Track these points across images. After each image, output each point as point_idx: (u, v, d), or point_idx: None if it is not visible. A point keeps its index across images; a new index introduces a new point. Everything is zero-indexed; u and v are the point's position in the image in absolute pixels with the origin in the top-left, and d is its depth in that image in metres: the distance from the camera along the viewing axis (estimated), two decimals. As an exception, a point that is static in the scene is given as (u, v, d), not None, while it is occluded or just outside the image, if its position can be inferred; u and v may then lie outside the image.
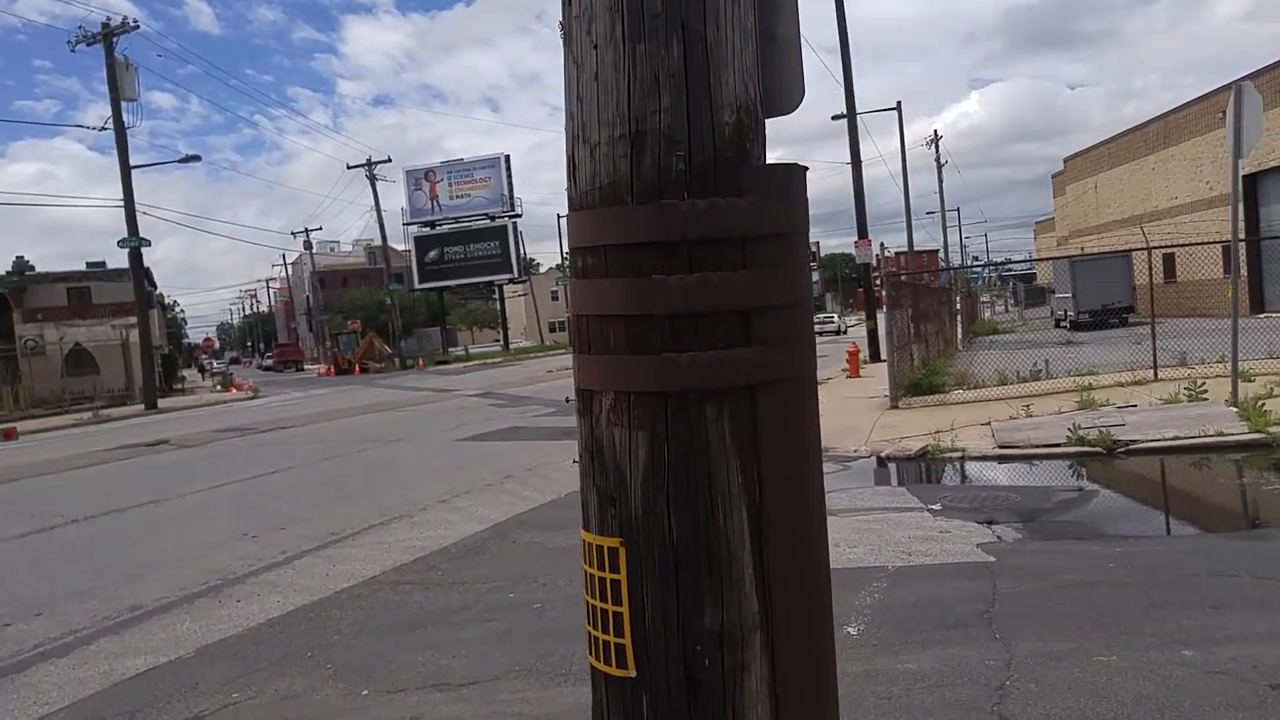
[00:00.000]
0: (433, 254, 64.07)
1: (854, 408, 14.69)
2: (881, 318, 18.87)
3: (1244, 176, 28.94)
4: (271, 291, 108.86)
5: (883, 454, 10.43)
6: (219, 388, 44.71)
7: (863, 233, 28.08)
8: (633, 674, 1.54)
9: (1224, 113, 11.14)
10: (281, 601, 6.35)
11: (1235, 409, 10.21)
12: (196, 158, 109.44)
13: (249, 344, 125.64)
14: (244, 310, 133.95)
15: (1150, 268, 16.65)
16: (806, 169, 1.65)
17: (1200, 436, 9.34)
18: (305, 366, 73.21)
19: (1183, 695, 3.74)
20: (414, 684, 4.61)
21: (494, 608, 5.75)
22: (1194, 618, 4.59)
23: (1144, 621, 4.58)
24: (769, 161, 1.63)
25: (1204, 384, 11.50)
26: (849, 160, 27.82)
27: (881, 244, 65.66)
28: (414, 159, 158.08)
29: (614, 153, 1.50)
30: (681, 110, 1.47)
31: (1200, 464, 8.84)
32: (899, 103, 44.44)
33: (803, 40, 1.90)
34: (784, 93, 1.76)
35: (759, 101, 1.58)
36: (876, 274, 36.30)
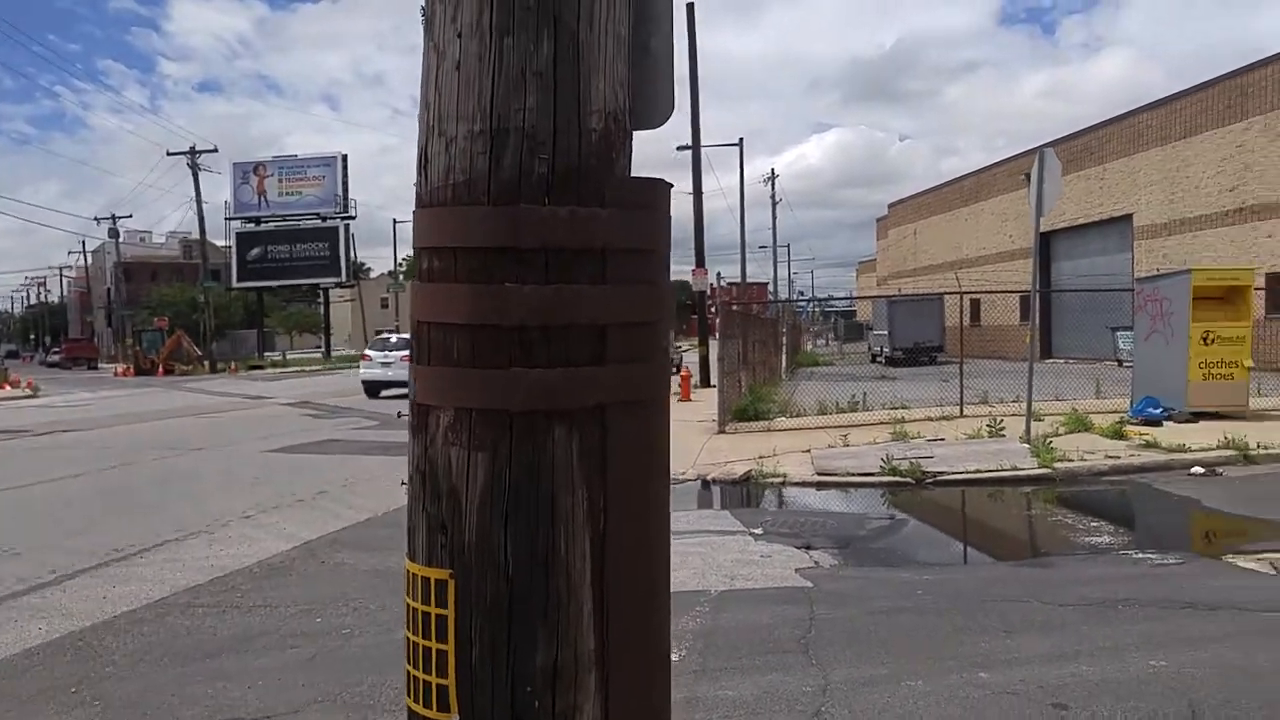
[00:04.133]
0: (255, 252, 60.49)
1: (684, 430, 14.91)
2: (714, 345, 19.34)
3: (1040, 234, 31.79)
4: (65, 281, 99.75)
5: (709, 477, 10.61)
6: (-13, 382, 40.09)
7: (700, 261, 28.75)
8: (455, 718, 1.41)
9: (1027, 175, 12.10)
10: (45, 629, 5.54)
11: (1028, 446, 11.04)
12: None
13: (33, 337, 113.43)
14: (29, 299, 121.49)
15: (961, 311, 17.87)
16: (671, 185, 1.59)
17: (998, 470, 10.03)
18: (100, 365, 67.38)
19: (980, 717, 3.92)
20: None
21: (298, 633, 5.35)
22: (990, 641, 4.85)
23: (947, 646, 4.80)
24: (638, 175, 1.56)
25: (1002, 422, 12.39)
26: (690, 191, 28.52)
27: (718, 274, 67.55)
28: (244, 152, 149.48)
29: (472, 149, 1.39)
30: (548, 111, 1.38)
31: (997, 495, 9.48)
32: (740, 139, 46.03)
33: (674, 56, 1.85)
34: (653, 106, 1.70)
35: (628, 111, 1.51)
36: (711, 302, 37.25)
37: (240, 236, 61.04)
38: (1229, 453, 10.35)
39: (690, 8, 27.14)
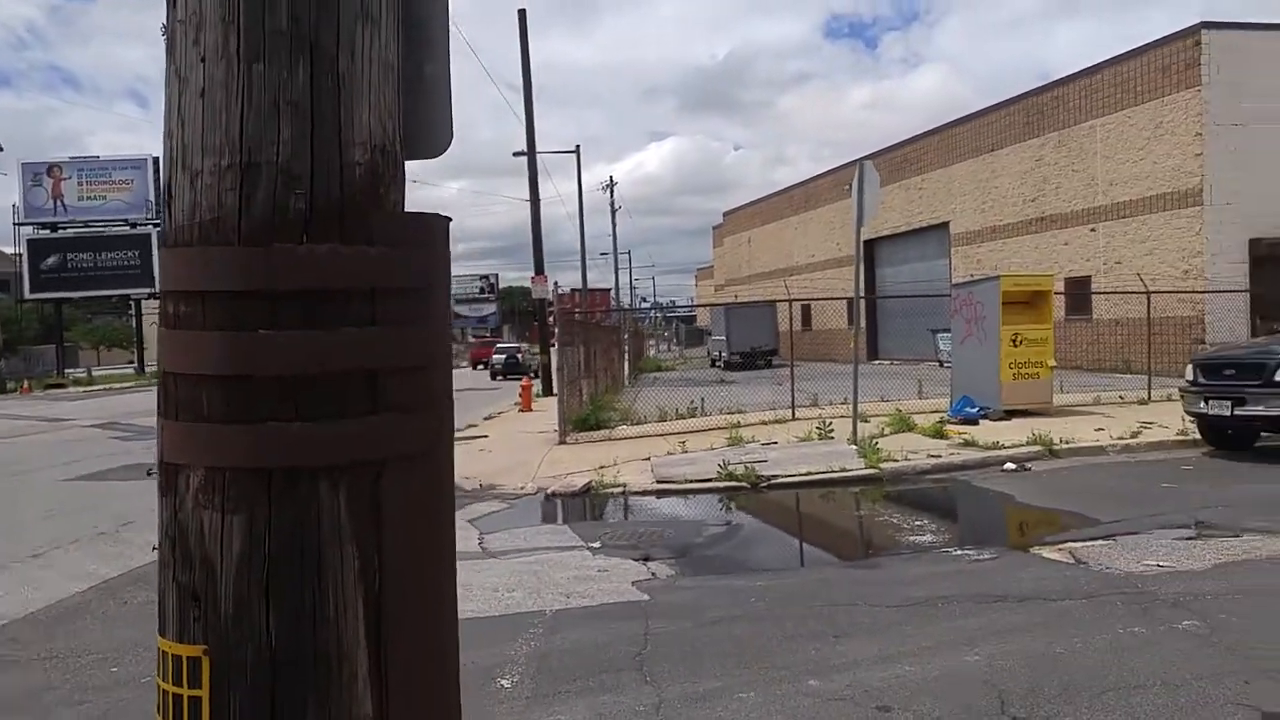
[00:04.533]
0: (52, 260, 55.19)
1: (524, 443, 14.75)
2: (554, 353, 19.25)
3: (864, 242, 33.45)
4: None
5: (549, 490, 10.51)
6: None
7: (539, 269, 28.65)
8: (215, 811, 1.27)
9: (850, 185, 12.65)
10: None
11: (855, 447, 11.52)
12: None
13: None
14: None
15: (790, 318, 18.51)
16: (449, 220, 1.52)
17: (828, 472, 10.40)
18: None
19: (809, 725, 4.01)
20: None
21: (90, 686, 4.86)
22: (820, 648, 4.98)
23: (778, 654, 4.90)
24: (413, 210, 1.46)
25: (831, 424, 12.90)
26: (528, 198, 28.35)
27: (556, 283, 67.59)
28: (38, 152, 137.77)
29: (220, 184, 1.28)
30: (305, 144, 1.29)
31: (828, 496, 9.83)
32: (578, 147, 46.14)
33: (453, 81, 1.77)
34: (430, 135, 1.63)
35: (398, 142, 1.43)
36: (552, 310, 37.21)
37: (33, 244, 55.45)
38: (1036, 448, 11.17)
39: (522, 14, 27.03)
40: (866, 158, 38.04)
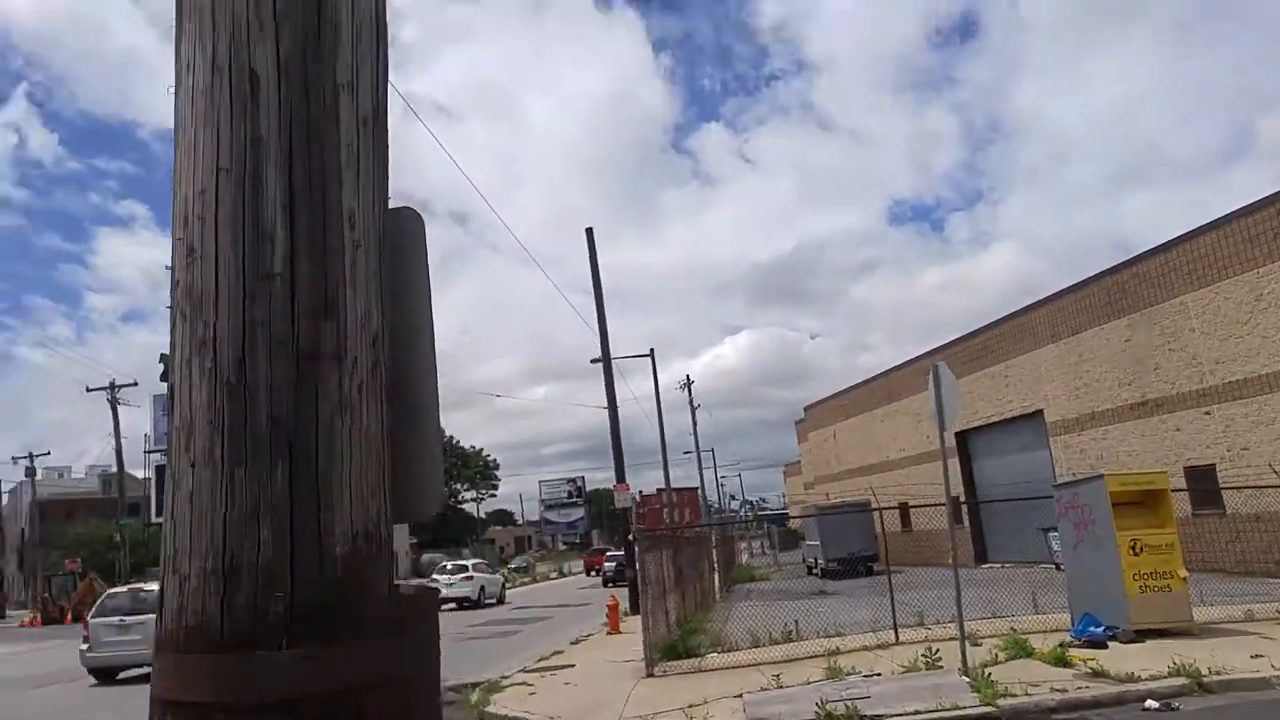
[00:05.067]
0: (175, 485, 58.17)
1: (609, 674, 13.98)
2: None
3: (956, 433, 32.38)
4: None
5: (634, 739, 9.69)
6: None
7: (620, 477, 28.44)
8: None
9: (929, 376, 12.18)
10: None
11: (967, 679, 10.43)
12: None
13: None
14: None
15: (882, 527, 17.63)
16: (438, 592, 1.50)
17: (938, 710, 9.39)
18: (9, 613, 62.54)
19: None
20: None
21: None
22: None
23: None
24: (400, 585, 1.45)
25: (939, 650, 11.79)
26: (605, 405, 28.57)
27: (640, 492, 67.70)
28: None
29: (205, 588, 1.31)
30: (284, 543, 1.30)
31: (941, 744, 8.76)
32: (652, 350, 47.24)
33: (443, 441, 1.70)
34: (419, 497, 1.55)
35: (383, 522, 1.40)
36: (642, 511, 36.76)
37: (160, 470, 58.73)
38: (1182, 681, 9.74)
39: (589, 231, 28.39)
40: (946, 346, 37.70)
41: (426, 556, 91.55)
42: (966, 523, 31.98)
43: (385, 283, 1.53)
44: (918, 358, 37.05)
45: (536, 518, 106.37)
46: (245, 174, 1.41)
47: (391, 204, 1.67)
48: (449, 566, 38.61)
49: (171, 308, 1.50)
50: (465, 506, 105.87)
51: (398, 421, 1.49)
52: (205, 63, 1.50)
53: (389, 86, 1.71)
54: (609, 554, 47.12)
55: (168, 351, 1.50)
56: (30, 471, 61.26)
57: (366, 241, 1.48)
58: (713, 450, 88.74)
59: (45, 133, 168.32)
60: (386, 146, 1.66)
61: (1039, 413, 30.14)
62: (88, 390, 53.18)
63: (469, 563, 40.28)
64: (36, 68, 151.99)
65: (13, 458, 65.20)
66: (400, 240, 1.63)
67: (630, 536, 20.49)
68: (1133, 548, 12.89)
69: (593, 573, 54.47)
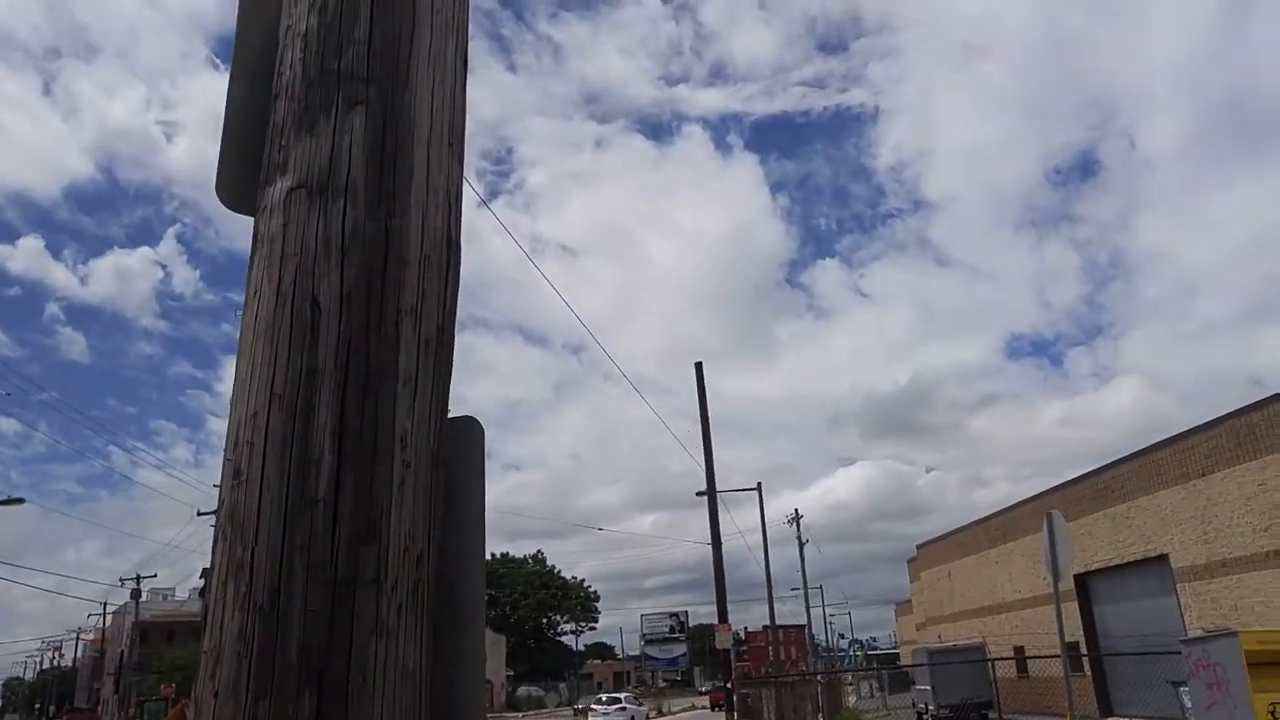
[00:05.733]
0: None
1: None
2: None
3: (1075, 576, 30.61)
4: (81, 644, 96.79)
5: None
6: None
7: (723, 617, 27.75)
8: None
9: (1046, 515, 11.81)
10: None
11: None
12: (20, 500, 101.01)
13: (37, 705, 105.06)
14: (42, 665, 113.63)
15: (994, 677, 16.67)
16: None
17: None
18: (100, 741, 63.25)
19: None
20: None
21: None
22: None
23: None
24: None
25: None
26: (709, 540, 28.27)
27: (745, 627, 65.92)
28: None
29: None
30: None
31: None
32: (759, 484, 46.64)
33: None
34: (462, 711, 1.49)
35: None
36: (745, 649, 35.74)
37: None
38: None
39: (698, 366, 28.76)
40: (1064, 485, 36.00)
41: (522, 690, 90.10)
42: (1088, 671, 29.88)
43: (435, 498, 1.47)
44: (1034, 497, 35.60)
45: (636, 651, 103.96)
46: (298, 402, 1.40)
47: (459, 409, 1.62)
48: (604, 698, 47.01)
49: (216, 528, 1.46)
50: (564, 639, 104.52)
51: (439, 639, 1.42)
52: (271, 289, 1.50)
53: (457, 303, 1.69)
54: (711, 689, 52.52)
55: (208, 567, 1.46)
56: (135, 594, 63.14)
57: (417, 461, 1.44)
58: (820, 586, 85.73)
59: (189, 269, 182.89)
60: (450, 363, 1.63)
61: (1164, 557, 28.38)
62: (198, 514, 55.37)
63: (621, 695, 48.56)
64: (188, 209, 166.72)
65: (120, 579, 67.84)
66: (456, 448, 1.58)
67: (728, 684, 19.96)
68: (1273, 713, 11.91)
69: (716, 708, 56.42)
